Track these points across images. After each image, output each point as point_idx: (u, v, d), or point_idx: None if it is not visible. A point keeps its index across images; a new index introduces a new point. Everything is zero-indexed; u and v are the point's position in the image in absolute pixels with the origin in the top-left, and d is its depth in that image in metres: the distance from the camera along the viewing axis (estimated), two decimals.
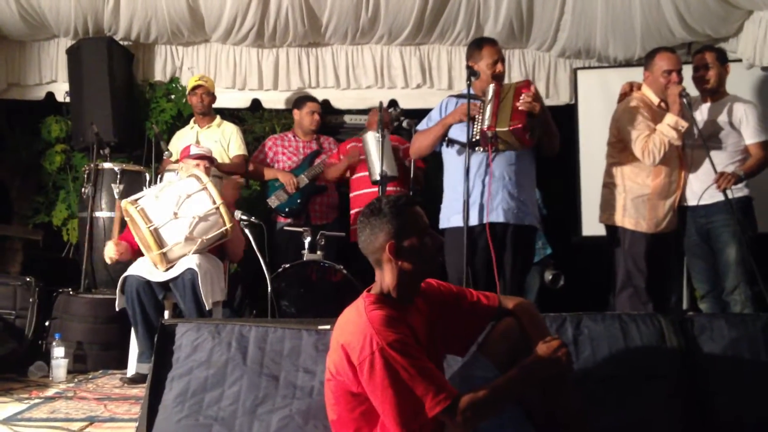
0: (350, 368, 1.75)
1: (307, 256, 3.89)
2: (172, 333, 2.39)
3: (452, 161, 3.32)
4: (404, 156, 4.21)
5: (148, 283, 3.35)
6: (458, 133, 3.24)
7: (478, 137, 3.11)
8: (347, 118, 5.30)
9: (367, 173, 3.87)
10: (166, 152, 4.20)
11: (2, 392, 3.12)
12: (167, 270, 3.34)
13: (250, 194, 5.07)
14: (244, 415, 2.19)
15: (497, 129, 3.05)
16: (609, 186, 3.54)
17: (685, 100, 3.32)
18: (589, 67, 5.06)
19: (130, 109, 4.98)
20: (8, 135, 5.24)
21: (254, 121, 5.28)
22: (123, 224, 3.61)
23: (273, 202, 4.46)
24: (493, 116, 3.08)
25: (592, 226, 4.32)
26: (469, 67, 3.26)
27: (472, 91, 3.18)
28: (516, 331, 1.95)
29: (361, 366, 1.71)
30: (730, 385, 2.24)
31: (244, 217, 3.64)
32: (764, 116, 3.49)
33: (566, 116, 4.78)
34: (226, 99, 5.06)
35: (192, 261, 3.31)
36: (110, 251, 3.42)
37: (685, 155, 3.48)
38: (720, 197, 3.30)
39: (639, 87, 3.56)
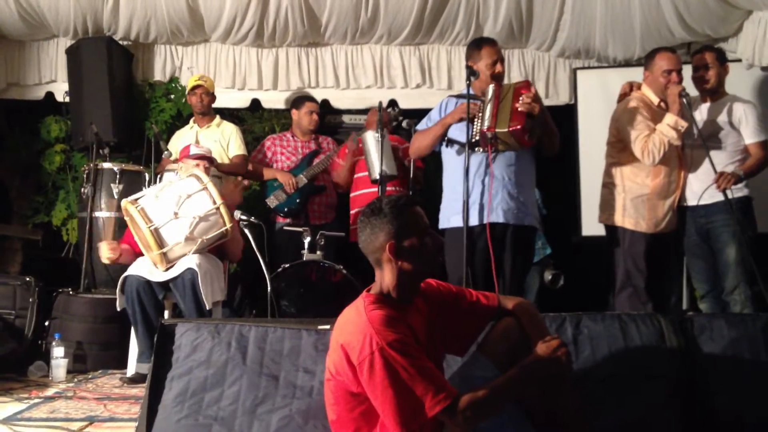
0: (350, 368, 1.75)
1: (306, 256, 3.89)
2: (171, 333, 2.39)
3: (452, 161, 3.32)
4: (404, 156, 4.21)
5: (148, 282, 3.35)
6: (458, 133, 3.24)
7: (477, 137, 3.11)
8: (346, 118, 5.30)
9: (366, 173, 3.87)
10: (166, 152, 4.20)
11: (2, 392, 3.12)
12: (167, 270, 3.34)
13: (249, 194, 5.07)
14: (243, 415, 2.19)
15: (497, 130, 3.05)
16: (608, 186, 3.54)
17: (684, 99, 3.32)
18: (589, 67, 5.06)
19: (129, 109, 4.98)
20: (8, 135, 5.24)
21: (254, 121, 5.28)
22: (123, 225, 3.60)
23: (272, 202, 4.46)
24: (493, 117, 3.08)
25: (591, 226, 4.32)
26: (468, 67, 3.26)
27: (471, 91, 3.18)
28: (516, 330, 1.96)
29: (360, 366, 1.71)
30: (730, 385, 2.25)
31: (244, 217, 3.64)
32: (764, 116, 3.49)
33: (566, 116, 4.79)
34: (225, 99, 5.06)
35: (192, 261, 3.31)
36: (105, 252, 3.39)
37: (684, 155, 3.48)
38: (720, 197, 3.31)
39: (638, 87, 3.56)
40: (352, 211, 4.41)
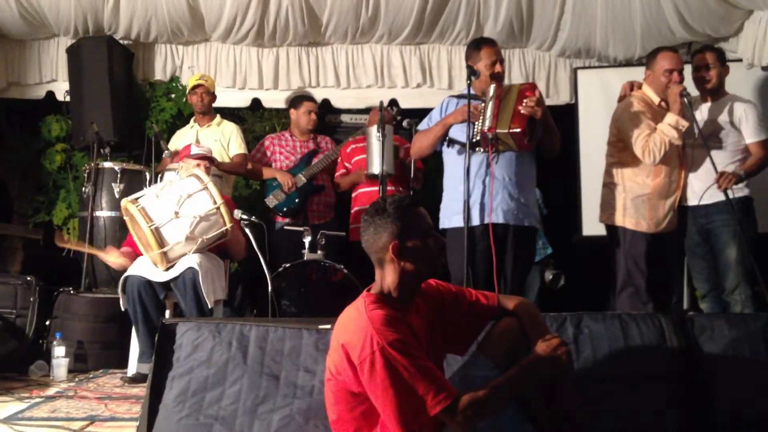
0: (350, 368, 1.75)
1: (307, 255, 3.89)
2: (172, 332, 2.39)
3: (452, 161, 3.32)
4: (405, 156, 4.21)
5: (149, 282, 3.35)
6: (458, 133, 3.23)
7: (478, 138, 3.11)
8: (345, 118, 5.30)
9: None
10: (166, 152, 4.20)
11: (3, 391, 3.12)
12: (167, 269, 3.34)
13: (250, 194, 5.08)
14: (244, 415, 2.19)
15: (497, 130, 3.04)
16: (609, 186, 3.53)
17: (685, 99, 3.32)
18: (589, 67, 5.06)
19: (130, 109, 4.98)
20: (8, 134, 5.24)
21: (254, 120, 5.29)
22: (124, 225, 3.60)
23: (271, 201, 4.46)
24: (494, 117, 3.07)
25: (592, 225, 4.32)
26: (469, 67, 3.26)
27: (472, 91, 3.18)
28: (516, 330, 1.96)
29: (361, 365, 1.71)
30: (730, 385, 2.25)
31: (245, 217, 3.64)
32: (764, 115, 3.49)
33: (566, 116, 4.79)
34: (226, 98, 5.06)
35: (193, 260, 3.31)
36: (115, 259, 3.46)
37: (685, 155, 3.48)
38: (720, 197, 3.30)
39: (639, 86, 3.56)
40: (353, 210, 4.41)
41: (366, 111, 5.04)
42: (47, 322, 3.85)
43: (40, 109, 5.15)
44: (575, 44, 4.90)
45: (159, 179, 4.16)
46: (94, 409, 2.82)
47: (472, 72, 3.23)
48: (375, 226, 1.86)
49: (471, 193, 3.11)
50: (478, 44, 3.38)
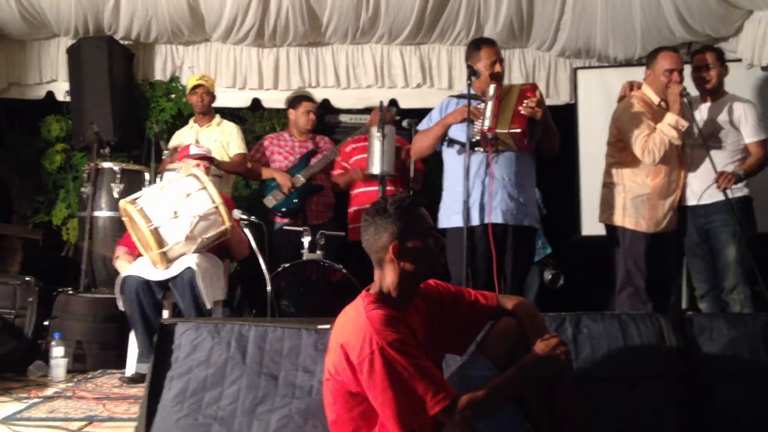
0: (349, 368, 1.75)
1: (306, 255, 3.89)
2: (171, 332, 2.39)
3: (452, 161, 3.32)
4: (405, 157, 4.21)
5: (147, 282, 3.34)
6: (458, 133, 3.24)
7: (478, 137, 3.11)
8: (344, 118, 5.29)
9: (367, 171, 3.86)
10: (166, 152, 4.19)
11: (1, 391, 3.12)
12: (166, 269, 3.34)
13: (249, 194, 5.07)
14: (243, 415, 2.19)
15: (497, 130, 3.04)
16: (609, 186, 3.53)
17: (685, 99, 3.32)
18: (589, 67, 5.06)
19: (130, 109, 4.98)
20: (8, 134, 5.24)
21: (254, 120, 5.29)
22: (123, 225, 3.60)
23: (269, 201, 4.46)
24: (494, 117, 3.07)
25: (591, 225, 4.32)
26: (469, 67, 3.26)
27: (472, 91, 3.17)
28: (515, 330, 1.95)
29: (360, 365, 1.71)
30: (730, 385, 2.24)
31: (244, 217, 3.64)
32: (764, 115, 3.49)
33: (566, 116, 4.79)
34: (226, 98, 5.06)
35: (191, 260, 3.31)
36: (125, 266, 3.48)
37: (684, 155, 3.48)
38: (720, 197, 3.31)
39: (639, 86, 3.56)
40: (351, 209, 4.40)
41: (366, 111, 5.03)
42: (46, 322, 3.84)
43: (40, 109, 5.15)
44: (575, 44, 4.90)
45: (159, 179, 4.16)
46: (92, 410, 2.82)
47: (472, 72, 3.23)
48: (375, 226, 1.85)
49: (470, 193, 3.11)
50: (477, 44, 3.38)
